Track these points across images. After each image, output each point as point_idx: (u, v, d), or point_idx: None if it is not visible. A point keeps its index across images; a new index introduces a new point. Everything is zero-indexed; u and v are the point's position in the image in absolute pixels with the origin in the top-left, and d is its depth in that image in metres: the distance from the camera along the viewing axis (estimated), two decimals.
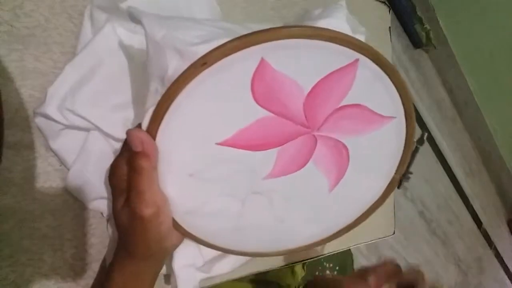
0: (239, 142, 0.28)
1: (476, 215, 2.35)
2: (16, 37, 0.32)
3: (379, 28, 0.71)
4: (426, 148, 1.95)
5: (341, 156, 0.33)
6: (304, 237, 0.37)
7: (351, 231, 0.37)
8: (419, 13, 1.70)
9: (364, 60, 0.28)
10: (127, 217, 0.28)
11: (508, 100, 1.85)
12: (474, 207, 2.32)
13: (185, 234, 0.31)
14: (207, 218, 0.32)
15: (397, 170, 0.36)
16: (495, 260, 2.58)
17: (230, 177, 0.30)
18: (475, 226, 2.36)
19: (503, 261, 2.63)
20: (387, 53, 0.73)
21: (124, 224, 0.28)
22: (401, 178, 0.37)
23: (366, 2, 0.69)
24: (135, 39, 0.35)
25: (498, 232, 2.59)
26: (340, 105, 0.30)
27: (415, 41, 1.80)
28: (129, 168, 0.26)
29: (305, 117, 0.29)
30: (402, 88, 0.31)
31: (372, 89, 0.30)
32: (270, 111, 0.27)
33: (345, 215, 0.38)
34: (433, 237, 2.02)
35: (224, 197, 0.31)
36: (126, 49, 0.34)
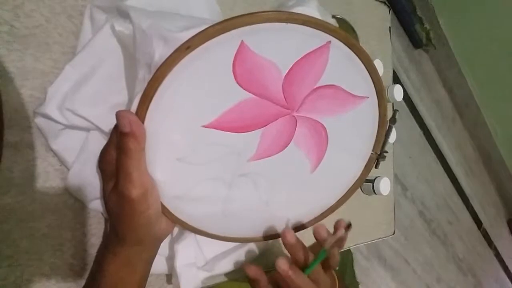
0: (223, 124, 0.29)
1: (476, 215, 2.35)
2: (16, 37, 0.32)
3: (379, 28, 0.71)
4: (426, 148, 1.95)
5: (320, 137, 0.35)
6: (289, 220, 0.38)
7: (351, 231, 0.37)
8: (419, 13, 1.70)
9: (336, 42, 0.30)
10: (116, 200, 0.28)
11: (508, 100, 1.85)
12: (474, 207, 2.32)
13: (174, 220, 0.32)
14: (195, 203, 0.32)
15: (373, 149, 0.38)
16: (495, 260, 2.58)
17: (216, 160, 0.31)
18: (475, 226, 2.36)
19: (503, 261, 2.63)
20: (387, 53, 0.73)
21: (114, 208, 0.28)
22: (377, 157, 0.39)
23: (366, 2, 0.69)
24: None
25: (498, 232, 2.59)
26: (316, 86, 0.31)
27: (415, 41, 1.80)
28: (117, 150, 0.27)
29: (285, 98, 0.30)
30: (371, 69, 0.33)
31: (345, 70, 0.32)
32: (251, 92, 0.29)
33: (328, 196, 0.39)
34: (433, 237, 2.02)
35: (211, 181, 0.32)
36: (126, 49, 0.34)
